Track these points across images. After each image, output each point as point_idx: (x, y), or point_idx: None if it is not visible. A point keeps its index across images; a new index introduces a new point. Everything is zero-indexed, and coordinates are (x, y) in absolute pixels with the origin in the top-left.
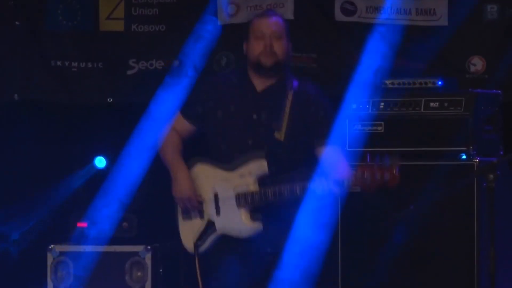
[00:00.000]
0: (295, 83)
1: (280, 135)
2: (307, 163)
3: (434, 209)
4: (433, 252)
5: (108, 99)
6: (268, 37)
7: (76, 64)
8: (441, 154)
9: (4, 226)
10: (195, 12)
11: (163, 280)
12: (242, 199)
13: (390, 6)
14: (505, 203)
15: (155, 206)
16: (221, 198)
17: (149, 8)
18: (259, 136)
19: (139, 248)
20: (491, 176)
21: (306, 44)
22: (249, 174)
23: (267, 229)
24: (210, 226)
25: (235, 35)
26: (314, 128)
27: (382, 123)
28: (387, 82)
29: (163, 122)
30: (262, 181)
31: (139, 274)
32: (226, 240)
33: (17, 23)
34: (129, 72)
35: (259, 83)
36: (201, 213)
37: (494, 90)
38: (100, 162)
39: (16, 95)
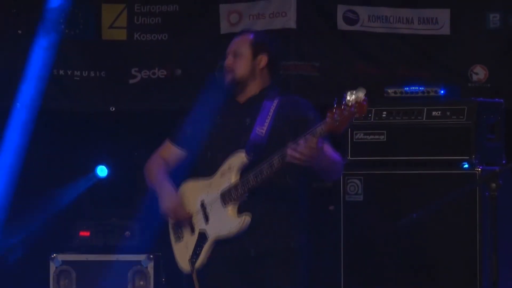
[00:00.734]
0: (281, 96)
1: (262, 130)
2: None
3: (437, 218)
4: (436, 261)
5: (111, 108)
6: (228, 56)
7: (78, 73)
8: (443, 162)
9: (4, 233)
10: (197, 21)
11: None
12: (226, 196)
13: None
14: (507, 212)
15: (158, 214)
16: (207, 204)
17: (152, 17)
18: (241, 136)
19: (141, 257)
20: (494, 185)
21: (309, 52)
22: (229, 169)
23: (253, 228)
24: (201, 237)
25: None
26: (299, 128)
27: (385, 132)
28: (389, 91)
29: None
30: (243, 172)
31: (141, 283)
32: (219, 247)
33: (19, 31)
34: (132, 81)
35: (241, 96)
36: (192, 228)
37: (497, 99)
38: (101, 171)
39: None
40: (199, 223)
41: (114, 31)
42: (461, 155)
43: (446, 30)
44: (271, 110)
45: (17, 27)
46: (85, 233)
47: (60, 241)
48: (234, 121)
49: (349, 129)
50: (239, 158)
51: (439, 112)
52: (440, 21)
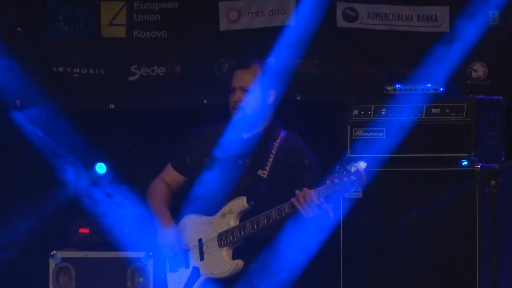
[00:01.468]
0: (283, 133)
1: (263, 173)
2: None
3: (436, 215)
4: (435, 258)
5: (110, 105)
6: (236, 90)
7: (78, 70)
8: (442, 160)
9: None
10: (196, 18)
11: (164, 286)
12: (223, 238)
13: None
14: (507, 209)
15: None
16: (205, 242)
17: (151, 14)
18: (242, 178)
19: (141, 254)
20: (493, 182)
21: (308, 50)
22: (230, 212)
23: (248, 269)
24: (194, 273)
25: (236, 41)
26: (298, 174)
27: (384, 129)
28: (388, 88)
29: None
30: (243, 217)
31: (141, 280)
32: (209, 285)
33: (18, 29)
34: (131, 78)
35: (246, 132)
36: (186, 263)
37: (496, 96)
38: (100, 168)
39: (18, 101)
40: (194, 259)
41: (113, 28)
42: (461, 152)
43: (445, 27)
44: (273, 153)
45: (17, 25)
46: (84, 230)
47: (60, 238)
48: (236, 160)
49: (349, 126)
50: (240, 204)
51: (439, 109)
52: (440, 19)
